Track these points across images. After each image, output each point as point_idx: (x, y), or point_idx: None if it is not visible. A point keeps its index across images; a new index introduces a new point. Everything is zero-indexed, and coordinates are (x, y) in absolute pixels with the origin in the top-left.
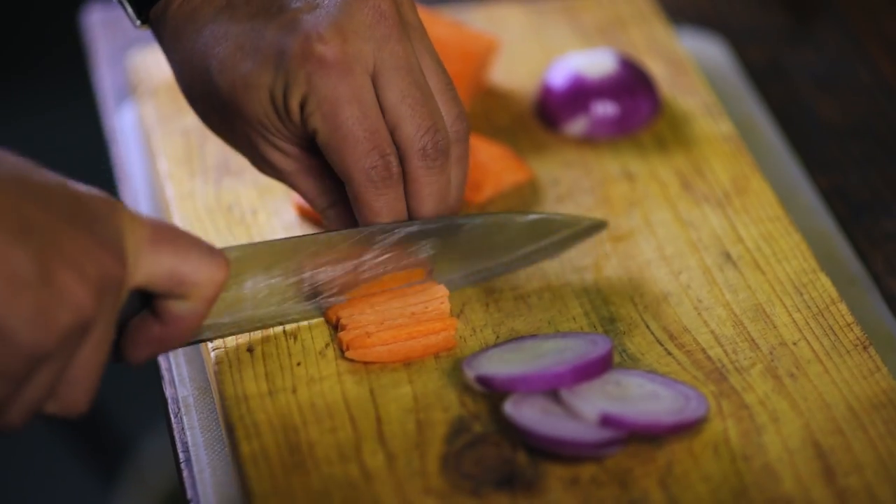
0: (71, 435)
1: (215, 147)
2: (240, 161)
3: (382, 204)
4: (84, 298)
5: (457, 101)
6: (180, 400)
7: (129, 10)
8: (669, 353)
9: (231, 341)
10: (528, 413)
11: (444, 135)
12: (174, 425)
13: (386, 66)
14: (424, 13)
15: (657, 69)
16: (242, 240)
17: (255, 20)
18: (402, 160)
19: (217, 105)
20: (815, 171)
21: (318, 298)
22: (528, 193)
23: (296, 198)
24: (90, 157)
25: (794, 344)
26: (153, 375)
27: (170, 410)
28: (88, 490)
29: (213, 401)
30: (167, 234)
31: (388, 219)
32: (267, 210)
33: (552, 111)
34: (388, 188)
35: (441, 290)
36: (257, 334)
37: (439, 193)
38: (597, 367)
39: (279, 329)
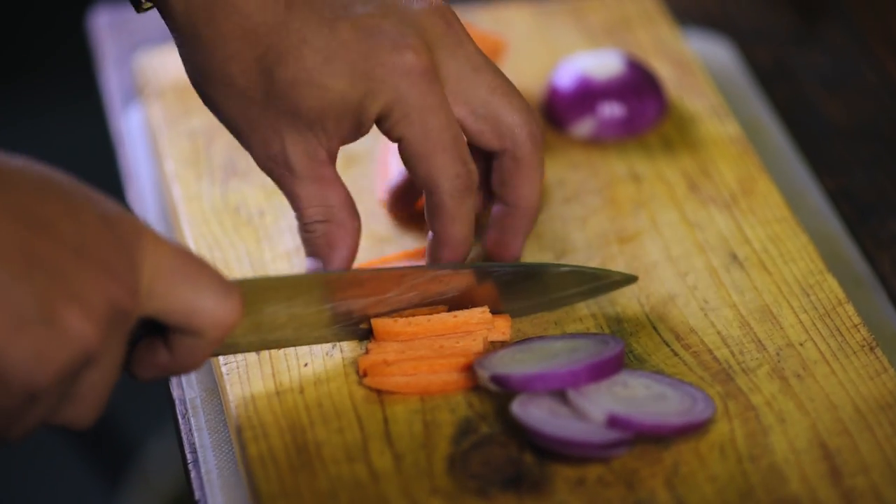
0: (77, 436)
1: (222, 148)
2: (246, 162)
3: (464, 212)
4: (88, 333)
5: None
6: (188, 401)
7: None
8: (676, 354)
9: None
10: (535, 413)
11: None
12: (182, 427)
13: (461, 72)
14: None
15: (664, 70)
16: (249, 241)
17: (318, 13)
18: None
19: (256, 94)
20: (821, 172)
21: (357, 325)
22: None
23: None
24: (97, 158)
25: (801, 345)
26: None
27: (177, 412)
28: (94, 492)
29: (221, 402)
30: (186, 268)
31: (466, 227)
32: (274, 211)
33: (559, 112)
34: (469, 197)
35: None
36: None
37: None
38: (611, 366)
39: None
